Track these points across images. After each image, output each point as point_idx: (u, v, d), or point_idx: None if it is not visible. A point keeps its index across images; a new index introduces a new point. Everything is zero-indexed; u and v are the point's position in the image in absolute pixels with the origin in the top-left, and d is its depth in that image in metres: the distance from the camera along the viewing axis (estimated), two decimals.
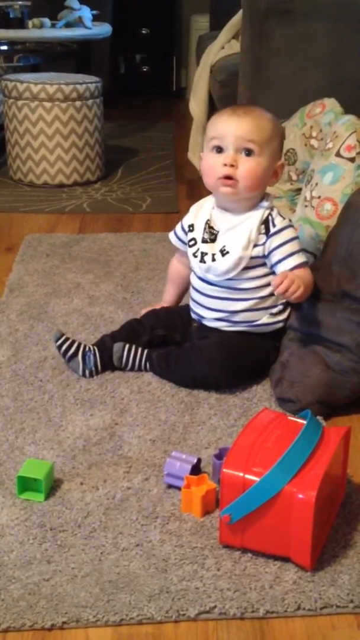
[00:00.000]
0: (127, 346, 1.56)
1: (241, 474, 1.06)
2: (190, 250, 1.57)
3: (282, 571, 1.07)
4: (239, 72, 2.36)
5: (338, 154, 1.71)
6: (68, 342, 1.56)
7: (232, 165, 1.45)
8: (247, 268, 1.51)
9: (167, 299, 1.75)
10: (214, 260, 1.51)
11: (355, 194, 1.60)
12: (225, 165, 1.45)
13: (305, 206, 1.78)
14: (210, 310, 1.56)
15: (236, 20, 2.81)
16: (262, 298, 1.53)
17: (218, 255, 1.51)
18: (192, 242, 1.56)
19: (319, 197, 1.73)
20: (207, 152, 1.50)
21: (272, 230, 1.49)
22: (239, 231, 1.50)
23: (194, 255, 1.55)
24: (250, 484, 1.05)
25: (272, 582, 1.05)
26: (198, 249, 1.54)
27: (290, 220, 1.53)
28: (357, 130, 1.72)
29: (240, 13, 2.51)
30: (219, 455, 1.24)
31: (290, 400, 1.45)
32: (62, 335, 1.56)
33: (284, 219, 1.51)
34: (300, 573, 1.07)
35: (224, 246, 1.51)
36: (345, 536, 1.14)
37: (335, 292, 1.49)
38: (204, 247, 1.53)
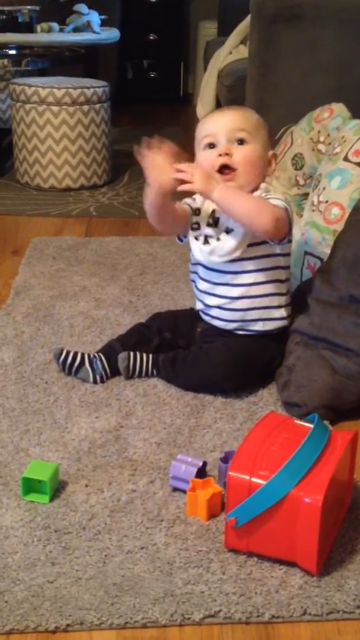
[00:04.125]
0: (132, 355, 1.55)
1: (247, 477, 1.05)
2: (192, 234, 1.56)
3: (288, 576, 1.06)
4: (246, 77, 2.36)
5: (346, 159, 1.71)
6: (71, 355, 1.55)
7: (227, 154, 1.46)
8: (250, 245, 1.49)
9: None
10: (219, 240, 1.51)
11: None
12: (220, 155, 1.46)
13: (313, 210, 1.77)
14: (211, 295, 1.56)
15: (244, 25, 2.82)
16: (260, 284, 1.52)
17: (223, 235, 1.51)
18: (195, 226, 1.55)
19: (327, 202, 1.73)
20: (200, 151, 1.51)
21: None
22: None
23: (196, 238, 1.55)
24: (256, 487, 1.04)
25: (277, 587, 1.04)
26: (201, 233, 1.54)
27: (286, 199, 1.51)
28: None
29: (248, 19, 2.51)
30: (225, 459, 1.24)
31: (296, 405, 1.44)
32: (62, 350, 1.56)
33: (278, 198, 1.49)
34: (306, 578, 1.06)
35: (227, 226, 1.50)
36: (351, 541, 1.13)
37: (343, 296, 1.49)
38: (208, 230, 1.53)
